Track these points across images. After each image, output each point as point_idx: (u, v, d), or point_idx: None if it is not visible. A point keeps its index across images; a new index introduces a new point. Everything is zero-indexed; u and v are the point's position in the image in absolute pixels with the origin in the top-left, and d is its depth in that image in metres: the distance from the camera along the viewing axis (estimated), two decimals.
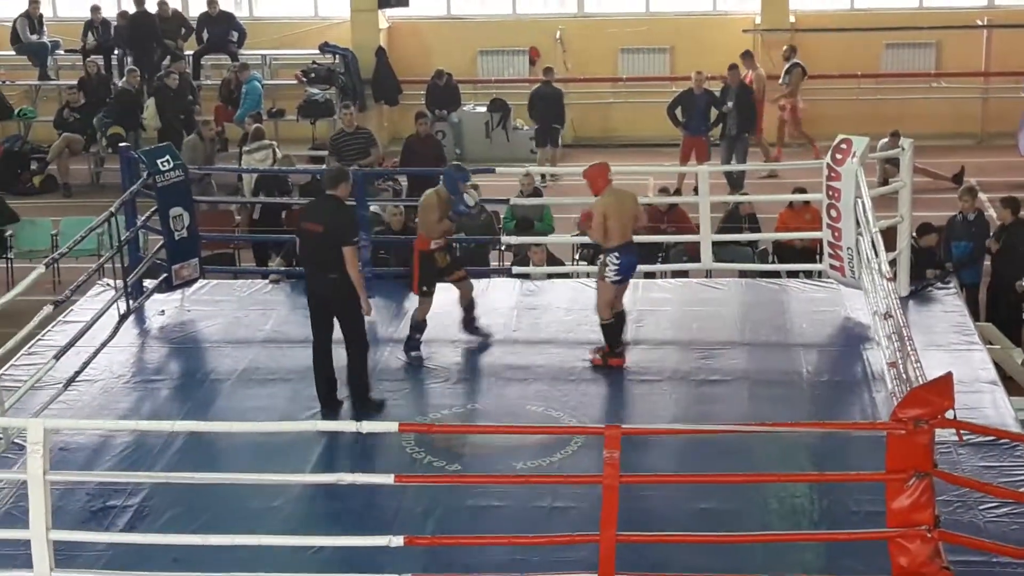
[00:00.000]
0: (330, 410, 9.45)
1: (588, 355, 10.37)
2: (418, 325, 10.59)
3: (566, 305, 11.77)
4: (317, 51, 20.54)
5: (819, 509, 8.10)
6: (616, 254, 10.10)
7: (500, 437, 8.86)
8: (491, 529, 7.80)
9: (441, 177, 10.55)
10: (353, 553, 7.40)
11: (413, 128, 17.27)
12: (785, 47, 19.87)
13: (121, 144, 13.18)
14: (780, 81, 19.62)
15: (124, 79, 19.48)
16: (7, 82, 21.18)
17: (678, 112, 18.35)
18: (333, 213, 9.33)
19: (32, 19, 20.70)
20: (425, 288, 10.48)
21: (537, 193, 14.36)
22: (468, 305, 10.91)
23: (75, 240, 10.40)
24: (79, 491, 8.40)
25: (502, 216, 14.50)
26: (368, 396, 9.56)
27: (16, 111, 20.23)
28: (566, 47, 21.09)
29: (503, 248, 13.91)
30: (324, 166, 16.42)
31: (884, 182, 15.88)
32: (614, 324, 10.30)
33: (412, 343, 10.63)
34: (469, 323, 10.95)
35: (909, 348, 8.36)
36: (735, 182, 17.42)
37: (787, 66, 19.60)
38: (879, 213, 10.65)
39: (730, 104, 18.10)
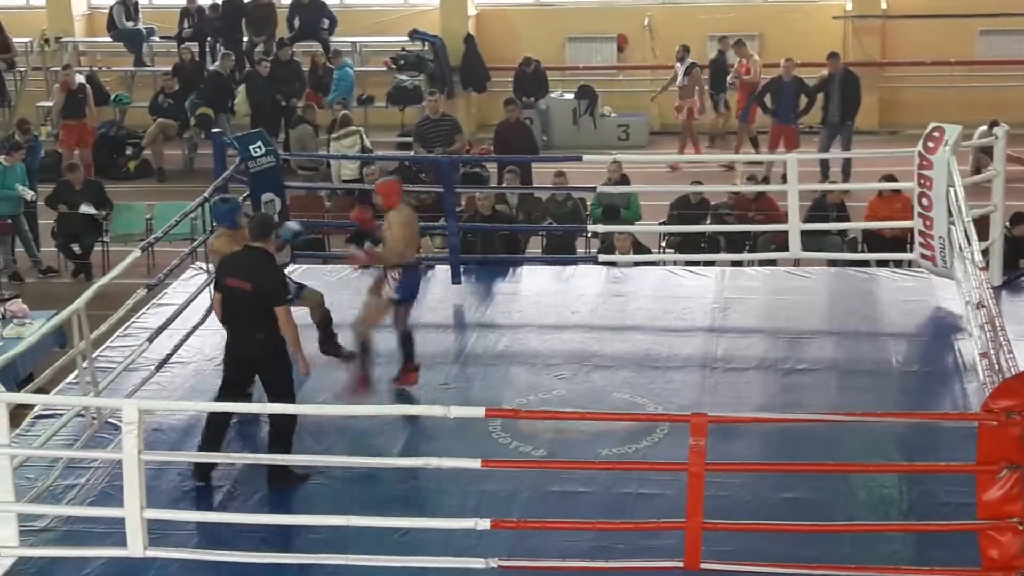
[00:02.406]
0: (202, 479, 8.47)
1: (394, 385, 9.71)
2: (321, 322, 9.93)
3: (652, 292, 11.74)
4: (407, 38, 20.64)
5: (908, 500, 8.03)
6: (399, 271, 9.51)
7: (585, 424, 8.87)
8: (575, 515, 7.82)
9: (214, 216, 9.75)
10: (440, 536, 7.47)
11: (500, 115, 17.33)
12: (678, 47, 19.57)
13: (214, 130, 13.35)
14: (678, 82, 19.21)
15: (218, 62, 19.72)
16: (104, 68, 21.55)
17: (767, 99, 18.24)
18: (262, 269, 8.46)
19: (128, 6, 21.05)
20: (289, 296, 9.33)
21: (624, 181, 14.33)
22: (322, 321, 10.08)
23: (169, 224, 10.54)
24: (171, 471, 8.55)
25: (589, 204, 14.49)
26: (288, 472, 8.40)
27: (112, 97, 20.57)
28: (654, 34, 20.99)
29: (589, 235, 13.90)
30: (412, 152, 16.60)
31: (977, 171, 15.63)
32: (406, 342, 9.74)
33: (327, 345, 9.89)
34: (325, 341, 10.03)
35: (1002, 338, 8.24)
36: (843, 170, 17.36)
37: (684, 67, 19.16)
38: (971, 202, 10.50)
39: (815, 98, 17.96)
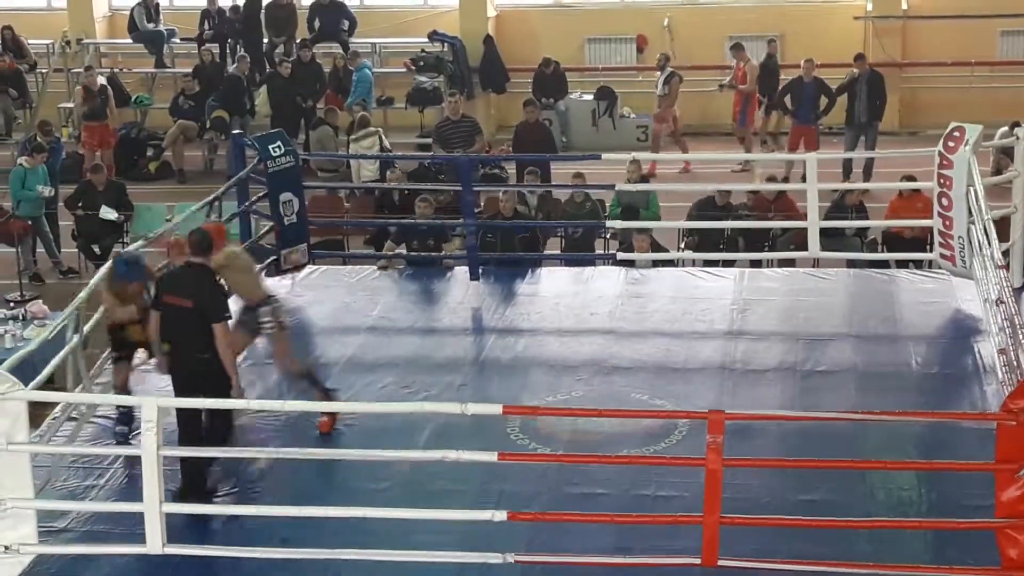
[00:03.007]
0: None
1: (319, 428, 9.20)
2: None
3: (670, 294, 11.73)
4: (426, 39, 20.67)
5: (927, 500, 8.02)
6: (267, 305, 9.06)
7: (604, 425, 8.87)
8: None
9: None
10: (459, 533, 7.48)
11: (520, 116, 17.33)
12: (659, 55, 19.51)
13: (234, 132, 13.41)
14: (658, 92, 19.06)
15: (235, 65, 19.78)
16: (125, 70, 21.63)
17: (787, 100, 18.22)
18: (202, 286, 8.30)
19: (149, 8, 21.11)
20: (115, 355, 9.17)
21: (644, 180, 14.31)
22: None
23: (187, 215, 10.54)
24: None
25: (608, 204, 14.47)
26: (204, 487, 8.27)
27: (133, 98, 20.65)
28: (673, 35, 20.98)
29: (608, 235, 13.90)
30: (432, 153, 16.63)
31: (997, 172, 15.57)
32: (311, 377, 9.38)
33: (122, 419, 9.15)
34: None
35: (1021, 337, 8.22)
36: (865, 170, 17.38)
37: (663, 76, 19.00)
38: (992, 203, 10.47)
39: (836, 99, 17.92)
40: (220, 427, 8.34)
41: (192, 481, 8.14)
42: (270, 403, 9.13)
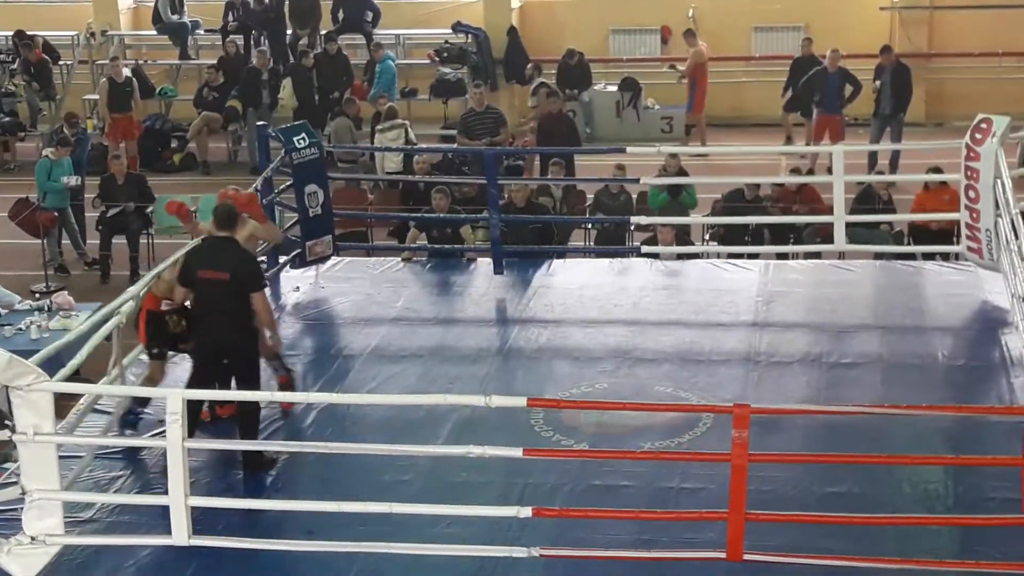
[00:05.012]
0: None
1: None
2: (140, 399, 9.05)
3: (695, 286, 11.71)
4: (450, 31, 20.66)
5: (953, 495, 7.97)
6: None
7: (628, 418, 8.86)
8: (618, 508, 7.80)
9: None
10: (483, 527, 7.48)
11: (543, 108, 17.26)
12: (529, 66, 19.51)
13: (259, 123, 13.42)
14: (529, 103, 18.88)
15: (255, 58, 19.76)
16: (149, 61, 21.66)
17: (812, 91, 18.15)
18: (237, 258, 8.51)
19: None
20: (155, 351, 9.10)
21: (683, 173, 14.22)
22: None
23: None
24: (215, 461, 8.61)
25: (649, 192, 14.35)
26: (260, 457, 8.53)
27: (157, 90, 20.68)
28: (698, 26, 20.91)
29: (633, 228, 13.86)
30: (455, 145, 16.62)
31: None
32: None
33: (131, 417, 9.01)
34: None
35: None
36: (891, 163, 17.26)
37: (533, 86, 18.83)
38: (1020, 195, 10.40)
39: (877, 83, 17.80)
40: (252, 406, 8.49)
41: (251, 455, 8.41)
42: (294, 395, 9.16)
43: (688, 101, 19.59)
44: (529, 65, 19.63)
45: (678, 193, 14.01)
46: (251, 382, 8.48)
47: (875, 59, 18.09)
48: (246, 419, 8.51)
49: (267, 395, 8.50)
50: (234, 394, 8.52)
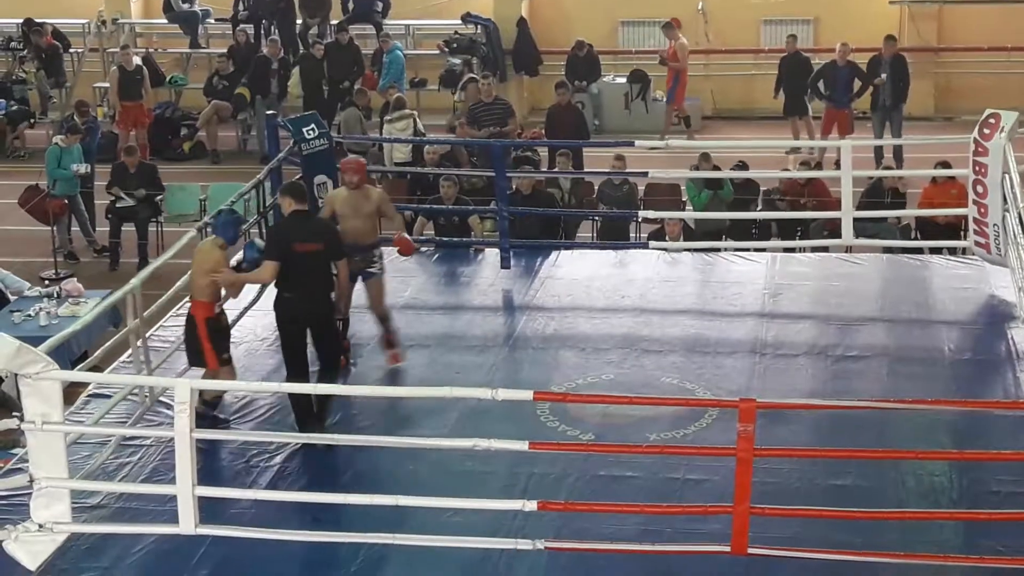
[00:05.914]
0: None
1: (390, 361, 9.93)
2: (214, 401, 9.12)
3: (702, 278, 11.73)
4: (459, 21, 20.66)
5: (958, 488, 7.99)
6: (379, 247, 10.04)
7: (634, 408, 8.88)
8: (623, 500, 7.81)
9: (213, 226, 9.26)
10: (487, 518, 7.51)
11: (552, 99, 17.29)
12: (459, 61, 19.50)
13: (268, 113, 13.44)
14: (456, 98, 18.93)
15: (266, 48, 19.77)
16: (160, 50, 21.70)
17: (821, 84, 18.12)
18: (324, 228, 9.08)
19: None
20: (225, 356, 9.05)
21: (715, 169, 14.24)
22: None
23: (226, 204, 10.56)
24: (223, 450, 8.65)
25: (683, 188, 14.30)
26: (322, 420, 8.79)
27: (168, 78, 20.72)
28: (707, 18, 20.89)
29: (639, 220, 13.87)
30: (457, 136, 16.59)
31: None
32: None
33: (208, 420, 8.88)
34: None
35: None
36: (895, 156, 17.23)
37: (462, 82, 18.76)
38: None
39: (884, 76, 17.79)
40: (333, 378, 8.89)
41: (309, 413, 8.70)
42: (337, 387, 9.10)
43: (668, 92, 19.49)
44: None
45: (718, 187, 14.04)
46: (336, 344, 9.10)
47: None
48: (332, 381, 8.82)
49: (274, 386, 8.52)
50: (243, 385, 8.58)
